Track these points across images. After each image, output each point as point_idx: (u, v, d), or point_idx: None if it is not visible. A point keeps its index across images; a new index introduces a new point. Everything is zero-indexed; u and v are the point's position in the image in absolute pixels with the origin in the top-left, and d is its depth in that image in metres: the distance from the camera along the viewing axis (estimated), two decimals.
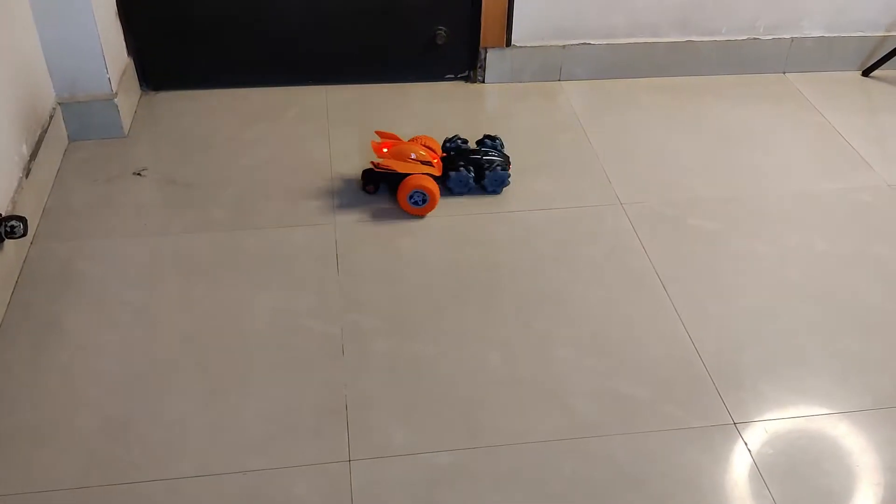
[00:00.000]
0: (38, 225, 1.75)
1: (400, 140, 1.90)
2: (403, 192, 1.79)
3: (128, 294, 1.59)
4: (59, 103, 1.94)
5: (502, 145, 1.97)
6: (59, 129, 1.94)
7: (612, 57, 2.29)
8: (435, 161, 1.85)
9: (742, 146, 2.09)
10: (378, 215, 1.80)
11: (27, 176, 1.72)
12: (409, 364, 1.46)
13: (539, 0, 2.17)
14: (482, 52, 2.24)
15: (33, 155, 1.77)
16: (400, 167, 1.81)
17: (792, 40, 2.33)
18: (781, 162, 2.04)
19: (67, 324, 1.52)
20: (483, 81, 2.29)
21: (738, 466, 1.31)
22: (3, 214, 1.55)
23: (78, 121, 1.97)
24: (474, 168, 1.87)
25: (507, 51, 2.24)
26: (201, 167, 1.92)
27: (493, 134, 1.98)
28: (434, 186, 1.80)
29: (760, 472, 1.30)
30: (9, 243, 1.56)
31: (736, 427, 1.37)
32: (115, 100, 1.97)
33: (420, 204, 1.80)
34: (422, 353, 1.48)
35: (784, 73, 2.39)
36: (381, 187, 1.87)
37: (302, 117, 2.13)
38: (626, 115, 2.20)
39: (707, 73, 2.36)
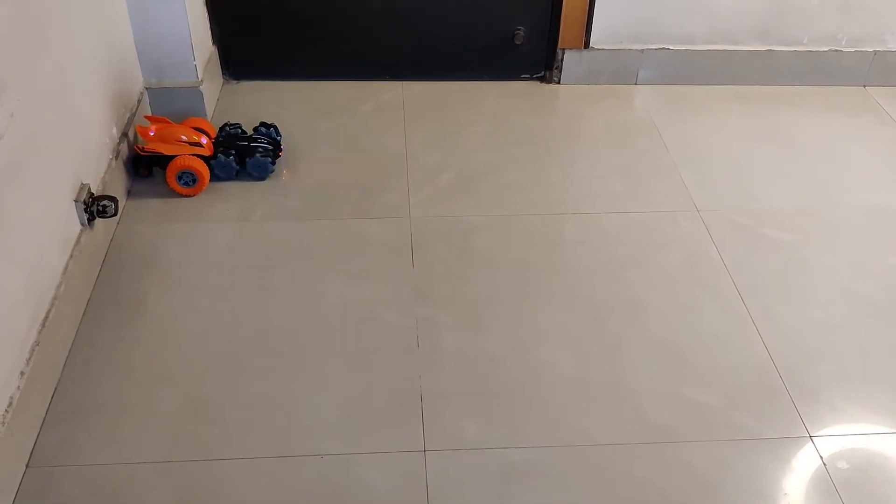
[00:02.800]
0: (124, 205, 1.80)
1: (170, 124, 1.91)
2: (171, 173, 1.81)
3: (209, 277, 1.63)
4: (147, 88, 2.00)
5: (278, 133, 1.97)
6: (145, 112, 2.00)
7: (690, 63, 2.27)
8: (206, 141, 1.87)
9: (818, 158, 2.06)
10: (453, 211, 1.82)
11: (116, 158, 1.77)
12: (482, 360, 1.48)
13: (619, 3, 2.17)
14: (559, 52, 2.25)
15: (122, 137, 1.83)
16: (166, 149, 1.83)
17: (875, 53, 2.29)
18: (857, 175, 2.00)
19: (151, 304, 1.57)
20: (559, 82, 2.30)
21: (813, 480, 1.30)
22: (96, 194, 1.60)
23: (164, 106, 2.03)
24: (239, 154, 1.88)
25: (585, 53, 2.24)
26: (280, 157, 1.96)
27: (268, 122, 1.98)
28: (201, 166, 1.82)
29: (835, 487, 1.29)
30: (99, 222, 1.62)
31: (812, 440, 1.36)
32: (201, 87, 2.02)
33: (190, 184, 1.82)
34: (494, 351, 1.50)
35: (864, 86, 2.35)
36: (154, 171, 1.88)
37: (378, 111, 2.16)
38: (701, 122, 2.18)
39: (785, 83, 2.33)
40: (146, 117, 1.94)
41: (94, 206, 1.57)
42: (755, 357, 1.51)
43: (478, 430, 1.36)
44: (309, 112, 2.15)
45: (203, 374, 1.44)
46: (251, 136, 1.93)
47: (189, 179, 1.82)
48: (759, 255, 1.74)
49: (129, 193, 1.85)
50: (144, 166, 1.87)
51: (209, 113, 2.09)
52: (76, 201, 1.54)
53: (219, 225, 1.77)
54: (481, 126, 2.12)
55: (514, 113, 2.18)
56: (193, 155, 1.82)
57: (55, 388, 1.39)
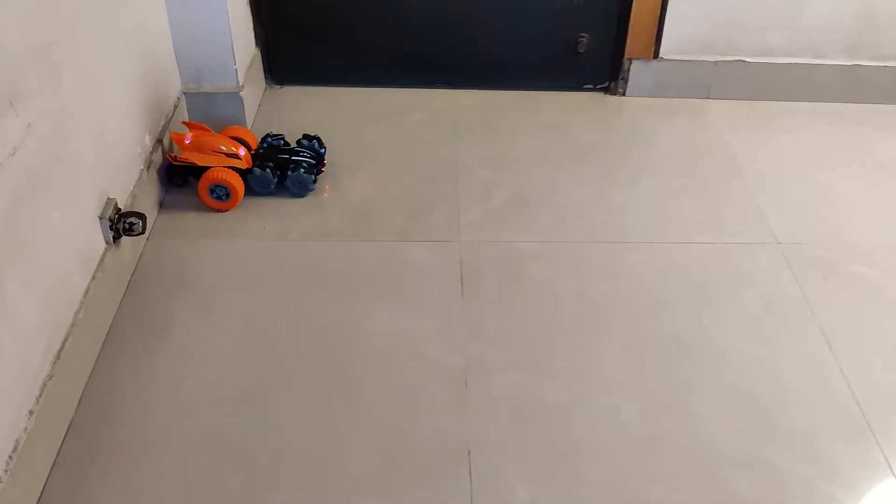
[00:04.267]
0: (155, 219, 1.69)
1: (208, 132, 1.79)
2: (203, 186, 1.68)
3: (241, 301, 1.51)
4: (185, 93, 1.89)
5: (321, 145, 1.83)
6: (182, 118, 1.89)
7: (768, 77, 2.09)
8: (244, 153, 1.74)
9: None
10: (506, 236, 1.67)
11: (148, 169, 1.66)
12: (537, 408, 1.33)
13: (692, 11, 1.99)
14: (626, 62, 2.08)
15: (155, 147, 1.71)
16: (199, 159, 1.70)
17: None
18: None
19: (178, 329, 1.45)
20: (624, 94, 2.13)
21: None
22: (123, 209, 1.49)
23: (202, 112, 1.91)
24: (280, 168, 1.74)
25: (654, 63, 2.07)
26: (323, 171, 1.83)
27: (311, 133, 1.84)
28: (236, 180, 1.69)
29: None
30: (126, 239, 1.51)
31: None
32: (241, 92, 1.90)
33: (223, 198, 1.69)
34: (550, 397, 1.35)
35: None
36: (189, 180, 1.76)
37: (427, 121, 2.02)
38: (780, 142, 2.00)
39: (872, 101, 2.13)
40: (184, 123, 1.83)
41: (121, 224, 1.46)
42: (845, 414, 1.33)
43: (531, 491, 1.21)
44: (355, 121, 2.02)
45: (229, 411, 1.31)
46: (293, 148, 1.80)
47: (222, 193, 1.70)
48: (846, 296, 1.56)
49: (162, 205, 1.73)
50: (178, 175, 1.76)
51: (250, 119, 1.97)
52: (101, 218, 1.43)
53: (254, 244, 1.64)
54: (538, 140, 1.96)
55: (574, 126, 2.02)
56: (228, 167, 1.70)
57: (68, 428, 1.27)
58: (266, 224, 1.69)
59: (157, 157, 1.72)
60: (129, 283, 1.53)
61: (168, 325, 1.45)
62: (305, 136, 1.83)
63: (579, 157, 1.92)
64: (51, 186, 1.25)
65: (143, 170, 1.64)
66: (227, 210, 1.72)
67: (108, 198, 1.46)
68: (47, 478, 1.20)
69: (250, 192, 1.74)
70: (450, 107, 2.08)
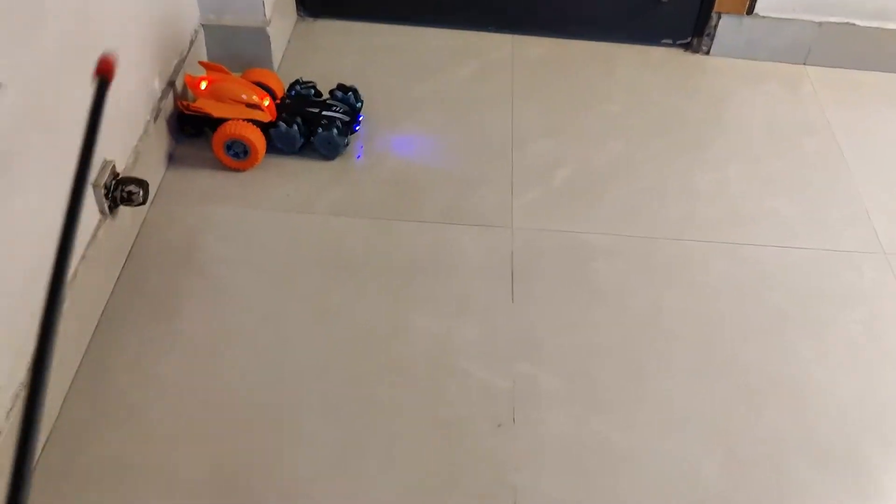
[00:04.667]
0: (162, 177, 1.46)
1: (228, 75, 1.54)
2: (219, 140, 1.46)
3: (256, 287, 1.29)
4: (203, 25, 1.63)
5: (357, 98, 1.58)
6: (200, 56, 1.64)
7: (881, 44, 1.78)
8: (267, 103, 1.49)
9: None
10: (568, 224, 1.43)
11: (156, 119, 1.42)
12: (597, 452, 1.12)
13: None
14: (714, 16, 1.78)
15: (165, 92, 1.47)
16: (215, 109, 1.47)
17: None
18: None
19: (181, 319, 1.24)
20: (708, 53, 1.84)
21: None
22: (121, 174, 1.26)
23: (222, 49, 1.66)
24: (308, 123, 1.50)
25: (747, 20, 1.77)
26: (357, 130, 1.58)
27: (348, 84, 1.59)
28: (256, 136, 1.46)
29: None
30: (125, 209, 1.28)
31: None
32: (268, 28, 1.64)
33: (241, 156, 1.47)
34: (614, 439, 1.13)
35: None
36: (203, 131, 1.52)
37: (482, 75, 1.75)
38: (890, 124, 1.71)
39: None
40: (201, 64, 1.58)
41: (118, 192, 1.23)
42: None
43: None
44: (398, 68, 1.75)
45: (236, 432, 1.11)
46: (325, 100, 1.55)
47: (240, 150, 1.46)
48: None
49: (171, 159, 1.50)
50: (191, 125, 1.52)
51: (277, 59, 1.71)
52: (94, 186, 1.20)
53: (273, 215, 1.41)
54: (611, 104, 1.69)
55: (652, 89, 1.75)
56: (249, 121, 1.46)
57: (45, 442, 1.08)
58: (289, 190, 1.46)
59: (168, 104, 1.48)
60: (127, 256, 1.31)
61: (169, 315, 1.24)
62: (340, 87, 1.57)
63: (658, 128, 1.65)
64: (29, 151, 1.02)
65: (149, 121, 1.40)
66: (244, 170, 1.48)
67: (105, 160, 1.23)
68: None
69: (273, 148, 1.51)
70: (508, 57, 1.80)
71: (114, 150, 1.26)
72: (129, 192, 1.24)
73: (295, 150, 1.51)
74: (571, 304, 1.30)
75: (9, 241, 0.99)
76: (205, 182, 1.46)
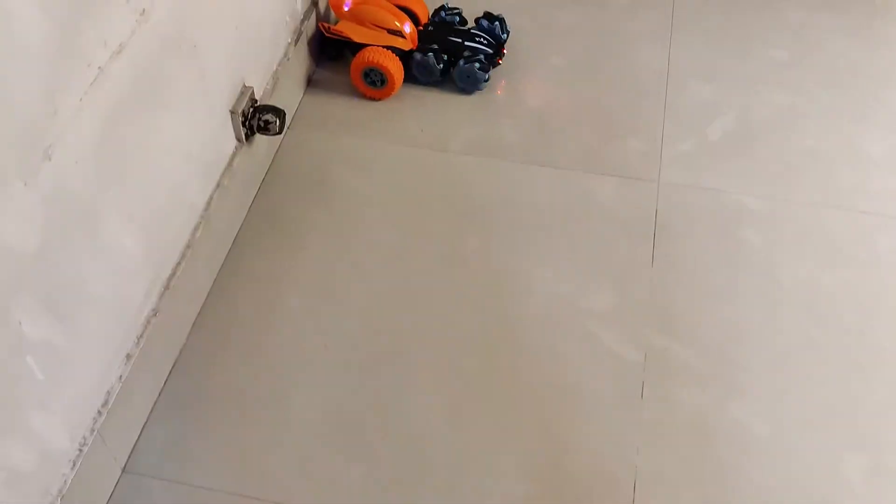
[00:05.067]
0: (299, 104, 1.43)
1: None
2: (356, 68, 1.42)
3: (383, 225, 1.26)
4: None
5: (504, 28, 1.47)
6: None
7: None
8: (409, 30, 1.41)
9: None
10: (722, 182, 1.31)
11: (296, 42, 1.38)
12: (730, 439, 1.04)
13: None
14: None
15: (308, 12, 1.43)
16: (355, 34, 1.41)
17: None
18: None
19: (308, 254, 1.22)
20: None
21: None
22: (259, 101, 1.24)
23: None
24: (450, 54, 1.41)
25: None
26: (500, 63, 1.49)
27: (495, 13, 1.47)
28: (394, 65, 1.40)
29: None
30: (261, 136, 1.26)
31: None
32: None
33: (378, 85, 1.42)
34: (751, 427, 1.05)
35: None
36: (344, 54, 1.49)
37: (637, 5, 1.61)
38: None
39: None
40: None
41: (256, 121, 1.21)
42: None
43: None
44: None
45: (353, 373, 1.10)
46: (469, 30, 1.46)
47: (377, 79, 1.41)
48: None
49: (310, 81, 1.47)
50: (333, 47, 1.48)
51: None
52: (233, 113, 1.18)
53: (407, 151, 1.36)
54: (779, 49, 1.53)
55: (829, 33, 1.56)
56: (388, 48, 1.40)
57: (171, 368, 1.10)
58: (424, 125, 1.40)
59: (310, 25, 1.44)
60: (260, 186, 1.30)
61: (297, 249, 1.23)
62: (486, 16, 1.48)
63: (829, 80, 1.48)
64: (168, 86, 1.00)
65: (289, 44, 1.37)
66: (381, 98, 1.44)
67: (245, 86, 1.21)
68: (140, 432, 1.04)
69: (411, 77, 1.45)
70: None
71: (253, 75, 1.24)
72: (266, 122, 1.21)
73: (434, 81, 1.45)
74: (716, 274, 1.21)
75: (157, 165, 0.99)
76: (341, 110, 1.43)
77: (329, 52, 1.49)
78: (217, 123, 1.16)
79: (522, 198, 1.30)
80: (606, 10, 1.60)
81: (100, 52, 0.85)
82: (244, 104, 1.19)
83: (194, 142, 1.10)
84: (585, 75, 1.48)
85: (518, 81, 1.47)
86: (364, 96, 1.44)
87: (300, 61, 1.42)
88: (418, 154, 1.36)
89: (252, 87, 1.22)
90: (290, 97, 1.39)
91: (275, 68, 1.33)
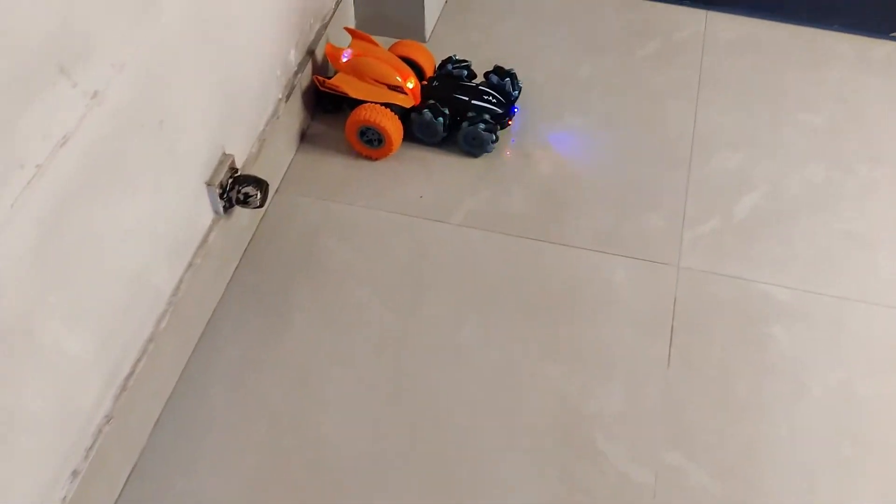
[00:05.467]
0: (290, 163, 1.32)
1: (375, 46, 1.35)
2: (353, 125, 1.30)
3: (376, 305, 1.15)
4: None
5: (515, 84, 1.34)
6: (344, 20, 1.47)
7: None
8: (412, 86, 1.30)
9: None
10: (749, 270, 1.19)
11: (288, 98, 1.28)
12: None
13: None
14: None
15: (303, 63, 1.32)
16: (354, 90, 1.30)
17: None
18: None
19: (290, 337, 1.11)
20: None
21: None
22: (240, 170, 1.13)
23: (368, 8, 1.48)
24: (455, 112, 1.30)
25: None
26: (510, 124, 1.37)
27: (507, 67, 1.35)
28: (393, 125, 1.29)
29: None
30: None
31: None
32: None
33: (375, 144, 1.31)
34: None
35: None
36: (342, 107, 1.35)
37: (663, 57, 1.49)
38: None
39: None
40: (347, 30, 1.41)
41: (235, 193, 1.11)
42: None
43: None
44: (566, 42, 1.51)
45: (328, 485, 0.99)
46: (477, 86, 1.35)
47: (374, 138, 1.30)
48: None
49: (303, 137, 1.36)
50: (329, 100, 1.37)
51: (431, 21, 1.51)
52: (209, 185, 1.08)
53: (405, 221, 1.25)
54: (816, 113, 1.40)
55: (871, 98, 1.43)
56: (388, 105, 1.29)
57: (129, 473, 1.00)
58: (424, 191, 1.29)
59: (306, 77, 1.33)
60: (240, 260, 1.20)
61: (279, 331, 1.12)
62: (497, 70, 1.37)
63: (873, 152, 1.35)
64: (128, 169, 0.89)
65: (280, 100, 1.26)
66: (377, 158, 1.32)
67: (224, 153, 1.10)
68: None
69: (412, 135, 1.33)
70: (697, 38, 1.52)
71: (235, 140, 1.13)
72: (246, 195, 1.10)
73: (436, 142, 1.33)
74: (738, 378, 1.08)
75: (114, 255, 0.88)
76: (335, 170, 1.32)
77: (326, 105, 1.38)
78: (190, 197, 1.05)
79: (528, 279, 1.18)
80: (629, 60, 1.48)
81: (38, 148, 0.75)
82: (222, 175, 1.09)
83: (160, 222, 0.99)
84: (603, 137, 1.36)
85: (529, 143, 1.35)
86: (360, 155, 1.33)
87: (293, 117, 1.31)
88: (416, 225, 1.25)
89: (232, 156, 1.11)
90: (278, 158, 1.29)
91: (262, 128, 1.22)
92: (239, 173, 1.12)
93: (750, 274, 1.18)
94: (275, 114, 1.24)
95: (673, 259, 1.20)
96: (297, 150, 1.34)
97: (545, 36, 1.52)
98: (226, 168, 1.09)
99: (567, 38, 1.52)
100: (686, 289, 1.17)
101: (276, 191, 1.29)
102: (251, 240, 1.22)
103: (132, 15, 0.85)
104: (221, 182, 1.09)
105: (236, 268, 1.18)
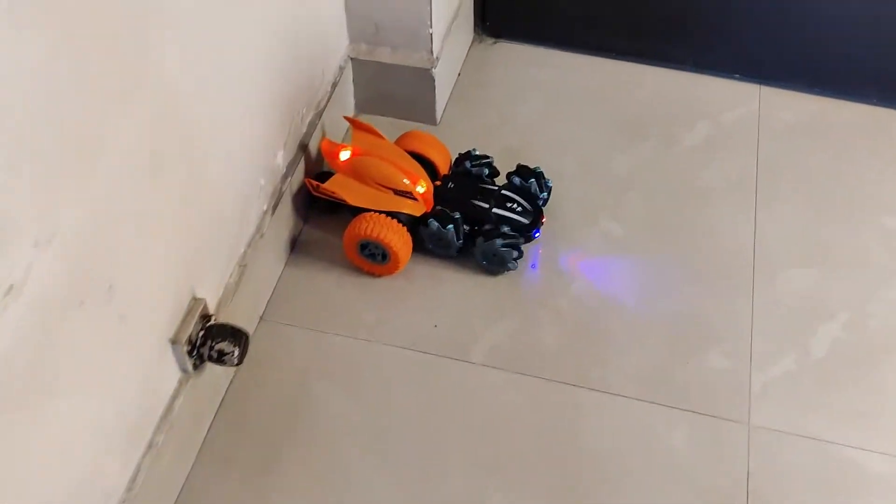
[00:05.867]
0: (276, 283, 1.11)
1: (380, 140, 1.14)
2: (352, 237, 1.08)
3: (377, 475, 0.94)
4: (351, 59, 1.24)
5: (543, 185, 1.13)
6: (343, 103, 1.26)
7: None
8: (422, 190, 1.09)
9: None
10: (832, 430, 0.98)
11: (275, 208, 1.06)
12: None
13: None
14: None
15: (293, 163, 1.11)
16: (353, 195, 1.08)
17: None
18: None
19: None
20: None
21: None
22: (213, 318, 0.91)
23: (371, 88, 1.27)
24: (473, 222, 1.08)
25: None
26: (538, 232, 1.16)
27: (532, 166, 1.14)
28: (400, 240, 1.07)
29: None
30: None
31: None
32: (434, 69, 1.23)
33: (378, 260, 1.08)
34: None
35: None
36: (338, 211, 1.14)
37: (713, 145, 1.28)
38: None
39: None
40: (347, 120, 1.20)
41: (208, 349, 0.89)
42: None
43: None
44: (596, 126, 1.30)
45: None
46: (500, 190, 1.13)
47: (377, 252, 1.08)
48: None
49: (294, 245, 1.15)
50: (326, 202, 1.15)
51: (442, 100, 1.30)
52: (174, 342, 0.86)
53: (412, 358, 1.04)
54: None
55: None
56: (393, 215, 1.08)
57: None
58: (437, 318, 1.08)
59: (297, 179, 1.12)
60: (213, 419, 0.98)
61: None
62: (520, 170, 1.15)
63: None
64: (62, 356, 0.68)
65: (265, 213, 1.05)
66: (380, 276, 1.11)
67: (194, 299, 0.89)
68: None
69: (422, 245, 1.12)
70: (751, 119, 1.31)
71: (208, 278, 0.92)
72: (221, 352, 0.89)
73: (452, 255, 1.12)
74: None
75: (40, 467, 0.67)
76: (331, 289, 1.10)
77: (321, 204, 1.17)
78: (150, 362, 0.84)
79: (564, 438, 0.97)
80: (673, 149, 1.27)
81: None
82: (191, 328, 0.88)
83: (108, 410, 0.78)
84: (647, 251, 1.15)
85: (559, 256, 1.14)
86: (361, 271, 1.12)
87: (281, 228, 1.10)
88: (428, 364, 1.03)
89: (204, 300, 0.90)
90: (263, 281, 1.08)
91: (243, 250, 1.01)
92: (213, 321, 0.91)
93: (834, 434, 0.97)
94: (258, 232, 1.03)
95: (742, 414, 0.99)
96: (286, 263, 1.13)
97: (572, 118, 1.31)
98: (195, 318, 0.88)
99: (597, 121, 1.31)
100: (760, 454, 0.96)
101: (261, 318, 1.08)
102: (226, 392, 1.00)
103: (61, 177, 0.64)
104: (190, 337, 0.88)
105: (209, 429, 0.97)
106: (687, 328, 1.07)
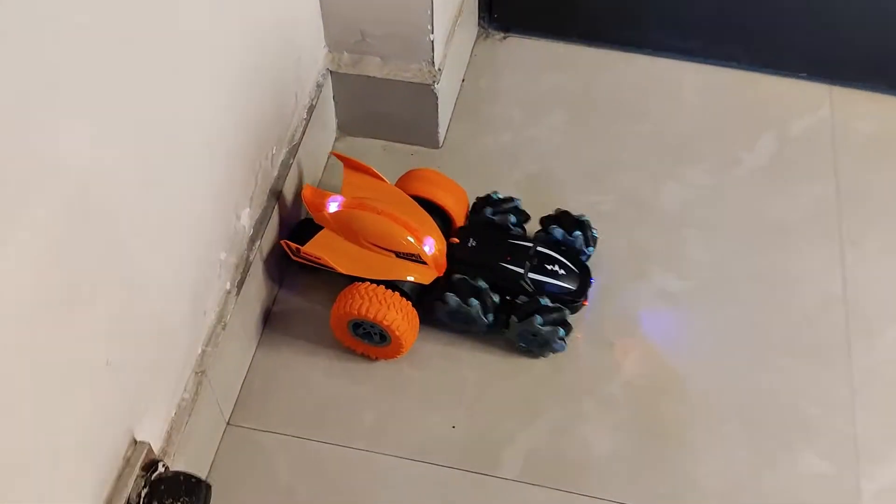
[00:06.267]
0: (246, 373, 0.87)
1: (379, 182, 0.90)
2: (340, 316, 0.83)
3: None
4: (331, 72, 0.99)
5: (589, 238, 0.89)
6: (323, 128, 1.01)
7: None
8: (431, 251, 0.85)
9: None
10: None
11: (241, 284, 0.82)
12: None
13: None
14: None
15: (263, 217, 0.86)
16: (343, 261, 0.85)
17: None
18: None
19: None
20: None
21: None
22: (162, 462, 0.67)
23: (358, 107, 1.02)
24: (503, 288, 0.83)
25: None
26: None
27: (576, 213, 0.90)
28: (402, 319, 0.83)
29: None
30: None
31: None
32: (436, 85, 0.97)
33: (375, 339, 0.84)
34: None
35: None
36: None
37: (779, 163, 1.03)
38: None
39: None
40: (337, 157, 0.94)
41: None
42: None
43: None
44: (638, 142, 1.05)
45: None
46: (534, 245, 0.88)
47: (374, 332, 0.84)
48: None
49: (268, 318, 0.91)
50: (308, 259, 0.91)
51: (446, 116, 1.05)
52: None
53: (426, 473, 0.81)
54: None
55: None
56: (393, 286, 0.84)
57: None
58: (455, 416, 0.84)
59: (267, 240, 0.87)
60: None
61: None
62: (559, 217, 0.91)
63: None
64: None
65: (227, 294, 0.80)
66: (378, 360, 0.88)
67: (135, 442, 0.65)
68: None
69: (432, 315, 0.88)
70: (823, 129, 1.07)
71: (151, 409, 0.68)
72: None
73: (480, 331, 0.88)
74: None
75: None
76: (315, 380, 0.87)
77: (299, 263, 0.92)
78: None
79: None
80: (734, 172, 1.03)
81: None
82: (130, 487, 0.64)
83: None
84: (712, 309, 0.92)
85: (607, 325, 0.90)
86: (354, 353, 0.88)
87: (249, 307, 0.85)
88: (444, 481, 0.81)
89: (147, 444, 0.66)
90: (229, 379, 0.84)
91: (200, 352, 0.77)
92: (160, 470, 0.67)
93: None
94: (220, 322, 0.79)
95: None
96: (258, 344, 0.89)
97: (604, 134, 1.06)
98: (136, 470, 0.65)
99: (636, 137, 1.06)
100: None
101: (227, 423, 0.84)
102: None
103: None
104: (130, 498, 0.64)
105: None
106: (771, 416, 0.84)
